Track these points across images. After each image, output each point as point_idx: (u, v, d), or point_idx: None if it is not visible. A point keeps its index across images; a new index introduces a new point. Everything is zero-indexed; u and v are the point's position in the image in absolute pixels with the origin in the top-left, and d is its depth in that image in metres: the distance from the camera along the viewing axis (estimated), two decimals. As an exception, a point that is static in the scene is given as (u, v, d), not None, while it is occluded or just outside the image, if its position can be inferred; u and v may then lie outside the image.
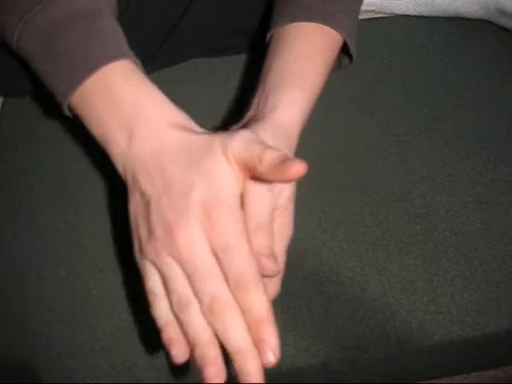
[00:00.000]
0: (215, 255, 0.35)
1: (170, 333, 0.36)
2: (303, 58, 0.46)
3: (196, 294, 0.35)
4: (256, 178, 0.38)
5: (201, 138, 0.38)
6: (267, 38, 0.49)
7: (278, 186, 0.40)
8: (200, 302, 0.35)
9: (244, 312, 0.34)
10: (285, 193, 0.40)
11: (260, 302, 0.34)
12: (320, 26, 0.47)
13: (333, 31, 0.47)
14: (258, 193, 0.38)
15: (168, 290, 0.36)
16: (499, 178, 0.52)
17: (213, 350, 0.35)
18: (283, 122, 0.42)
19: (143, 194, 0.38)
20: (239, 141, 0.37)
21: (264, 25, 0.59)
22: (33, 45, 0.42)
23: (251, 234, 0.37)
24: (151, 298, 0.37)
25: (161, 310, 0.37)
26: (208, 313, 0.34)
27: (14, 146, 0.56)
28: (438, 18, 0.63)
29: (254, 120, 0.43)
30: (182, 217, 0.36)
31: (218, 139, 0.38)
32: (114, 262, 0.50)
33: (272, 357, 0.34)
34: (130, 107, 0.40)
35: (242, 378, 0.33)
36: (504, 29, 0.62)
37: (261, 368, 0.34)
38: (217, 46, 0.60)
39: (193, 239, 0.35)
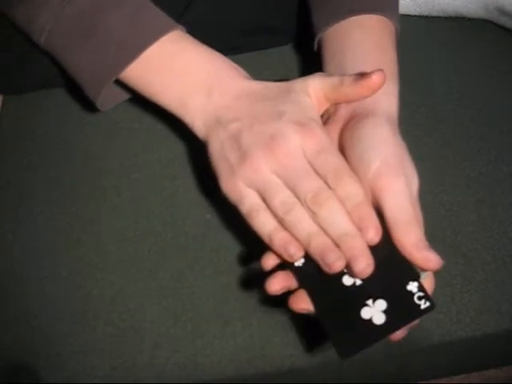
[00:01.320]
0: (309, 162, 0.38)
1: (281, 235, 0.38)
2: (378, 50, 0.46)
3: (298, 193, 0.38)
4: (338, 102, 0.42)
5: (279, 84, 0.42)
6: (319, 34, 0.48)
7: (409, 177, 0.39)
8: (303, 198, 0.37)
9: (344, 200, 0.37)
10: (415, 183, 0.40)
11: (358, 189, 0.37)
12: (380, 17, 0.47)
13: (389, 22, 0.47)
14: (397, 189, 0.38)
15: (270, 200, 0.38)
16: (499, 177, 0.52)
17: (327, 239, 0.37)
18: (391, 113, 0.43)
19: (229, 131, 0.41)
20: (317, 76, 0.42)
21: (265, 25, 0.59)
22: (73, 27, 0.43)
23: (402, 231, 0.37)
24: (253, 214, 0.39)
25: (265, 220, 0.39)
26: (313, 205, 0.37)
27: (14, 146, 0.56)
28: (438, 17, 0.63)
29: (357, 116, 0.42)
30: (278, 132, 0.39)
31: (295, 81, 0.42)
32: (114, 261, 0.50)
33: (375, 234, 0.36)
34: (204, 68, 0.43)
35: (352, 257, 0.36)
36: (504, 29, 0.62)
37: (367, 246, 0.36)
38: (216, 46, 0.60)
39: (290, 147, 0.38)
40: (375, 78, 0.39)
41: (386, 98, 0.43)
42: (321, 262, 0.36)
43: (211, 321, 0.47)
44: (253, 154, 0.39)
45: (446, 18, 0.63)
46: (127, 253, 0.50)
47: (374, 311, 0.36)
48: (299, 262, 0.38)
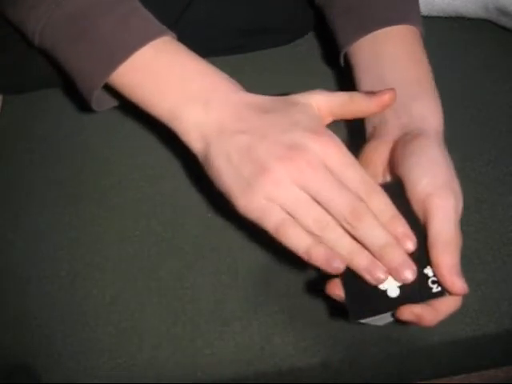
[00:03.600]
0: (334, 174, 0.37)
1: (321, 250, 0.37)
2: (415, 64, 0.45)
3: (331, 208, 0.37)
4: (343, 118, 0.41)
5: (280, 97, 0.40)
6: (346, 47, 0.47)
7: (457, 199, 0.39)
8: (339, 214, 0.37)
9: (378, 214, 0.37)
10: (460, 206, 0.39)
11: (388, 203, 0.38)
12: (407, 27, 0.46)
13: (416, 29, 0.47)
14: (446, 210, 0.38)
15: (300, 218, 0.37)
16: (499, 177, 0.52)
17: (369, 255, 0.37)
18: (439, 132, 0.42)
19: (237, 142, 0.38)
20: (319, 91, 0.41)
21: (265, 25, 0.59)
22: (62, 30, 0.42)
23: (440, 250, 0.37)
24: (283, 230, 0.37)
25: (298, 235, 0.37)
26: (352, 220, 0.36)
27: (14, 146, 0.56)
28: (438, 17, 0.63)
29: (408, 135, 0.41)
30: (296, 142, 0.37)
31: (296, 95, 0.40)
32: (114, 261, 0.50)
33: (412, 243, 0.37)
34: (199, 79, 0.41)
35: (397, 268, 0.37)
36: (504, 29, 0.62)
37: (407, 255, 0.37)
38: (216, 46, 0.60)
39: (312, 158, 0.37)
40: (388, 96, 0.40)
41: (434, 117, 0.43)
42: (366, 276, 0.37)
43: (211, 321, 0.47)
44: (272, 166, 0.36)
45: (446, 17, 0.63)
46: (127, 253, 0.50)
47: (391, 284, 0.37)
48: None
